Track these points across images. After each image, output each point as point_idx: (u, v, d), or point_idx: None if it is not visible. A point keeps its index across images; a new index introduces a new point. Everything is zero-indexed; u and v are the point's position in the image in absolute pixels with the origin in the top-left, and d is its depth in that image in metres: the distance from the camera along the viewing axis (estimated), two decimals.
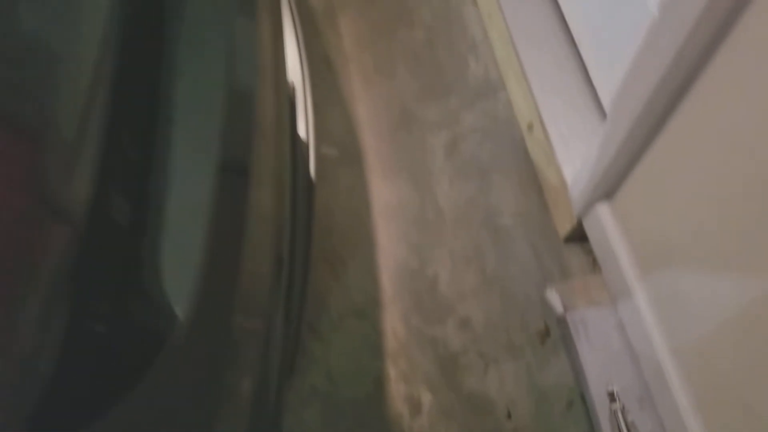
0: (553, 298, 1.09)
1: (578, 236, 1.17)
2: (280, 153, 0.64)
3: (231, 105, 0.54)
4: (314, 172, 0.89)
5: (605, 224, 1.01)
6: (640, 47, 0.88)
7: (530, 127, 1.27)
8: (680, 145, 0.81)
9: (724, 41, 0.67)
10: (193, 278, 0.42)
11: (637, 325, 0.96)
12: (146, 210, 0.46)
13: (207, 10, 0.59)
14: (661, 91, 0.78)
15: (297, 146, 0.79)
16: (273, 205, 0.57)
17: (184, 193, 0.47)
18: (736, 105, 0.67)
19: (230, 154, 0.52)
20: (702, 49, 0.70)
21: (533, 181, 1.28)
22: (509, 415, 1.08)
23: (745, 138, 0.67)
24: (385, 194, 1.30)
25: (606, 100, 1.14)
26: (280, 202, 0.60)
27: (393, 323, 1.16)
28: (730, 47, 0.66)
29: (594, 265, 1.17)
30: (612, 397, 0.98)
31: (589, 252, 1.17)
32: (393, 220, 1.27)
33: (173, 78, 0.53)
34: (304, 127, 0.85)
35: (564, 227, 1.19)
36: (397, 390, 1.10)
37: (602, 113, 1.16)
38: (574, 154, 1.14)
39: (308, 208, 0.81)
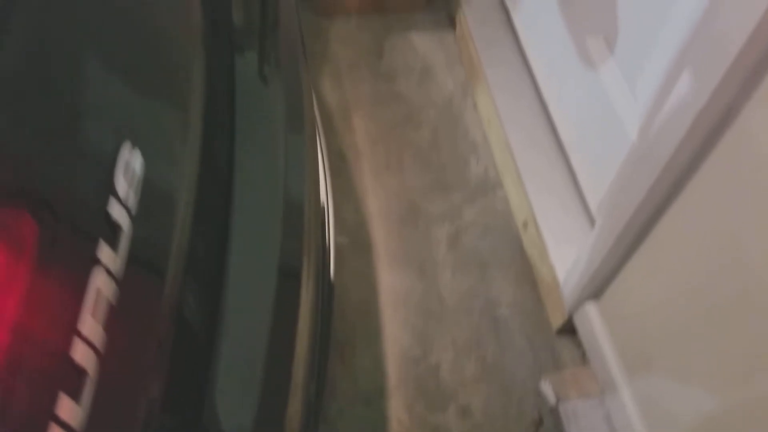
0: (547, 389, 1.17)
1: (570, 329, 1.27)
2: (318, 259, 0.76)
3: (286, 217, 0.65)
4: (333, 272, 1.00)
5: (593, 323, 1.12)
6: (622, 170, 1.02)
7: (525, 225, 1.39)
8: (660, 256, 0.93)
9: (699, 169, 0.79)
10: (255, 394, 0.52)
11: (623, 419, 1.05)
12: (214, 320, 0.56)
13: (266, 129, 0.71)
14: (642, 208, 0.90)
15: (325, 248, 0.91)
16: (312, 315, 0.67)
17: (249, 304, 0.57)
18: (713, 222, 0.79)
19: (286, 265, 0.62)
20: (678, 174, 0.82)
21: (529, 275, 1.39)
22: None
23: (721, 253, 0.78)
24: (392, 282, 1.41)
25: (593, 206, 1.27)
26: (315, 309, 0.70)
27: (398, 411, 1.23)
28: (702, 176, 0.78)
29: (584, 357, 1.27)
30: None
31: (580, 345, 1.27)
32: (399, 308, 1.37)
33: (238, 192, 0.64)
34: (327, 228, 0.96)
35: (556, 320, 1.29)
36: None
37: (591, 217, 1.29)
38: (566, 254, 1.26)
39: (329, 310, 0.91)
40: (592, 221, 1.29)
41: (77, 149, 0.41)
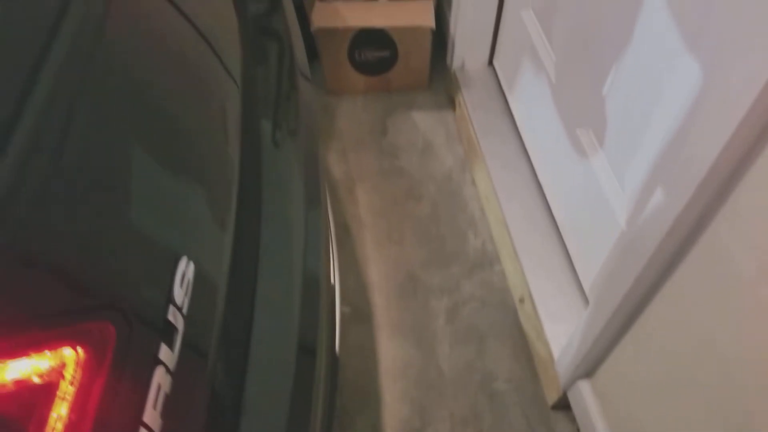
0: None
1: (565, 405, 1.32)
2: (330, 332, 0.82)
3: (305, 292, 0.72)
4: (339, 344, 1.06)
5: (586, 400, 1.17)
6: (612, 255, 1.10)
7: (522, 300, 1.46)
8: (648, 340, 1.00)
9: (680, 265, 0.87)
10: None
11: None
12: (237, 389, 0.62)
13: (288, 206, 0.79)
14: (630, 294, 0.97)
15: (333, 320, 0.97)
16: (324, 388, 0.74)
17: (269, 379, 0.63)
18: (692, 314, 0.86)
19: (304, 340, 0.69)
20: (662, 267, 0.90)
21: (525, 350, 1.45)
22: None
23: (700, 343, 0.85)
24: (391, 353, 1.46)
25: (587, 285, 1.34)
26: (326, 382, 0.76)
27: None
28: (682, 272, 0.86)
29: None
30: None
31: (574, 420, 1.31)
32: (398, 379, 1.42)
33: (263, 269, 0.71)
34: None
35: (552, 396, 1.34)
36: None
37: (585, 295, 1.36)
38: (560, 331, 1.32)
39: (334, 382, 0.97)
40: (585, 300, 1.36)
41: (146, 268, 0.48)
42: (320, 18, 1.74)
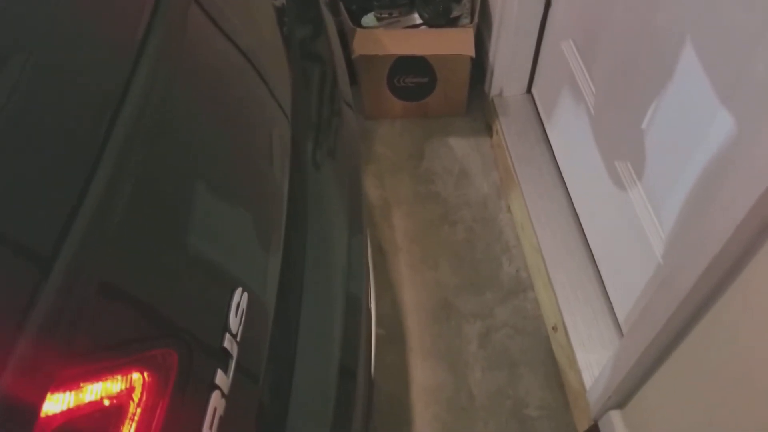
0: None
1: None
2: (366, 355, 0.85)
3: (347, 316, 0.75)
4: (374, 368, 1.09)
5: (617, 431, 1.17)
6: (648, 289, 1.10)
7: (555, 329, 1.46)
8: (681, 375, 0.99)
9: (715, 304, 0.87)
10: None
11: None
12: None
13: (332, 234, 0.82)
14: (665, 329, 0.98)
15: (371, 345, 1.00)
16: (362, 412, 0.76)
17: (312, 401, 0.66)
18: (727, 353, 0.86)
19: (345, 361, 0.71)
20: (697, 305, 0.90)
21: (557, 378, 1.45)
22: None
23: (735, 382, 0.85)
24: (423, 376, 1.48)
25: (621, 316, 1.34)
26: (365, 406, 0.79)
27: None
28: (717, 311, 0.86)
29: None
30: None
31: None
32: (429, 402, 1.44)
33: (308, 292, 0.74)
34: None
35: (582, 425, 1.34)
36: None
37: (619, 327, 1.36)
38: (593, 361, 1.32)
39: (369, 405, 1.00)
40: (619, 330, 1.35)
41: (205, 299, 0.52)
42: (361, 46, 1.80)
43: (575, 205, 1.58)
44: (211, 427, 0.47)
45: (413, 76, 1.89)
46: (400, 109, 1.98)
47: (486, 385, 1.46)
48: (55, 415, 0.38)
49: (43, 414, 0.37)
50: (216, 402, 0.49)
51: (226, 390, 0.50)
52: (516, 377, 1.47)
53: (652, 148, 1.15)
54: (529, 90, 1.90)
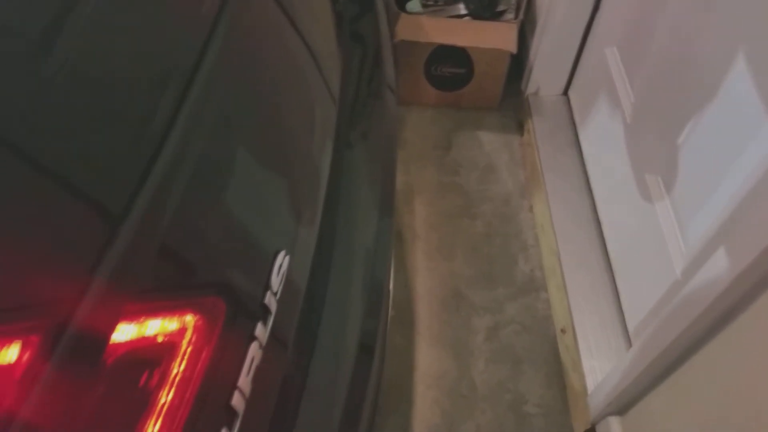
0: None
1: None
2: (383, 334, 0.89)
3: (370, 296, 0.78)
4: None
5: None
6: (663, 302, 1.13)
7: (563, 331, 1.50)
8: (686, 390, 1.03)
9: (731, 323, 0.90)
10: None
11: None
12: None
13: (363, 215, 0.85)
14: (676, 343, 1.01)
15: (387, 325, 1.04)
16: (374, 386, 0.80)
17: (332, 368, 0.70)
18: (736, 373, 0.89)
19: (365, 337, 0.75)
20: (713, 323, 0.93)
21: (559, 379, 1.49)
22: None
23: (740, 404, 0.88)
24: (428, 361, 1.52)
25: (632, 327, 1.37)
26: (377, 381, 0.83)
27: None
28: (733, 331, 0.89)
29: None
30: None
31: None
32: (431, 386, 1.48)
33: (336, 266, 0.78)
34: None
35: (579, 427, 1.38)
36: None
37: (628, 336, 1.39)
38: (597, 367, 1.36)
39: (380, 379, 1.04)
40: (628, 339, 1.39)
41: (253, 258, 0.56)
42: (403, 30, 1.82)
43: (599, 212, 1.60)
44: (248, 374, 0.52)
45: (451, 66, 1.91)
46: (434, 97, 2.00)
47: (488, 377, 1.50)
48: (120, 344, 0.43)
49: (111, 341, 0.42)
50: (254, 352, 0.53)
51: (263, 342, 0.54)
52: (518, 373, 1.51)
53: (685, 164, 1.17)
54: (565, 92, 1.92)
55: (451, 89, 1.98)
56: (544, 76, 1.88)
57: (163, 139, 0.50)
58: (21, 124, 0.45)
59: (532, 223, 1.77)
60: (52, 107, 0.47)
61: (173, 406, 0.46)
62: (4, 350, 0.38)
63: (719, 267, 0.86)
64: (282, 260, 0.58)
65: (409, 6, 1.89)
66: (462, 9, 1.93)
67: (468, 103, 2.02)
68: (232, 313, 0.51)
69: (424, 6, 1.90)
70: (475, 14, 1.90)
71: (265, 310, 0.55)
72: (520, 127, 1.99)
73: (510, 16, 1.91)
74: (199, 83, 0.55)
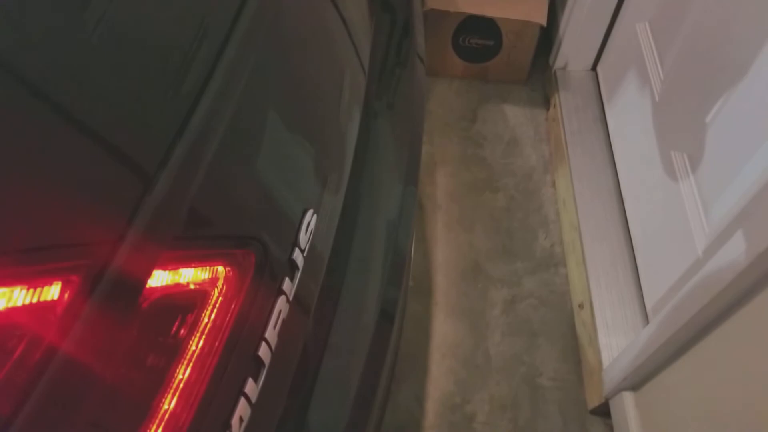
0: None
1: (604, 412, 1.37)
2: (402, 303, 0.90)
3: (393, 263, 0.79)
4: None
5: (628, 411, 1.22)
6: (683, 279, 1.13)
7: (581, 306, 1.50)
8: (703, 367, 1.03)
9: (752, 301, 0.89)
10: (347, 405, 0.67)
11: None
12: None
13: (389, 181, 0.86)
14: (695, 320, 1.01)
15: (406, 293, 1.05)
16: (393, 351, 0.82)
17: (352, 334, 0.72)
18: (755, 350, 0.89)
19: (386, 304, 0.77)
20: (733, 300, 0.92)
21: (574, 353, 1.50)
22: None
23: (758, 380, 0.88)
24: (444, 331, 1.54)
25: (650, 304, 1.37)
26: (395, 347, 0.85)
27: None
28: (753, 309, 0.89)
29: None
30: None
31: (611, 428, 1.36)
32: (447, 355, 1.50)
33: (359, 233, 0.79)
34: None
35: (593, 401, 1.39)
36: None
37: (645, 313, 1.39)
38: (614, 342, 1.36)
39: (397, 347, 1.05)
40: (645, 316, 1.39)
41: (283, 214, 0.57)
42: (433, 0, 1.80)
43: (622, 188, 1.59)
44: (275, 326, 0.53)
45: (479, 38, 1.89)
46: (461, 68, 1.98)
47: (503, 349, 1.51)
48: (155, 289, 0.44)
49: (147, 286, 0.43)
50: (281, 306, 0.54)
51: (290, 296, 0.56)
52: (534, 346, 1.52)
53: (712, 143, 1.16)
54: (594, 67, 1.89)
55: (479, 61, 1.96)
56: (572, 51, 1.85)
57: (200, 94, 0.51)
58: (63, 79, 0.46)
59: (554, 198, 1.77)
60: (94, 63, 0.48)
61: (203, 353, 0.48)
62: (46, 288, 0.39)
63: (740, 247, 0.85)
64: (310, 219, 0.59)
65: None
66: None
67: (495, 76, 2.00)
68: (262, 266, 0.53)
69: None
70: None
71: (293, 266, 0.56)
72: (546, 102, 1.97)
73: None
74: (235, 42, 0.56)
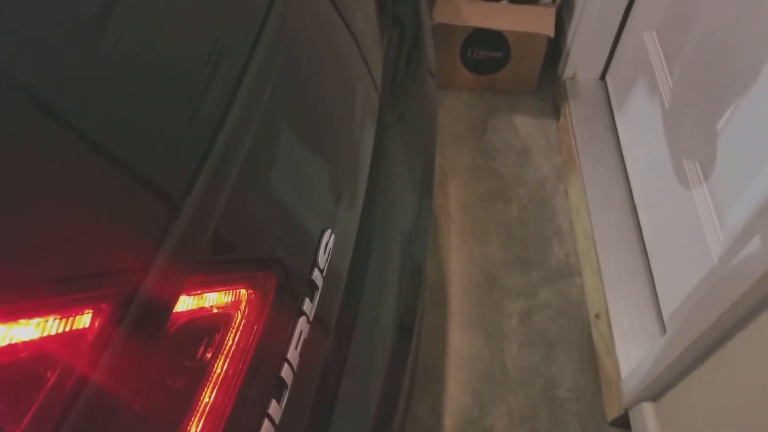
0: None
1: (623, 423, 1.36)
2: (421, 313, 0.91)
3: (410, 276, 0.80)
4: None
5: (648, 422, 1.21)
6: (699, 288, 1.12)
7: (597, 316, 1.50)
8: (722, 376, 1.02)
9: None
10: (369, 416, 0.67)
11: None
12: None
13: (404, 195, 0.87)
14: (712, 329, 1.01)
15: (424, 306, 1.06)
16: (412, 362, 0.82)
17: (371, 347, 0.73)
18: None
19: (405, 318, 0.77)
20: (749, 309, 0.92)
21: (592, 364, 1.49)
22: None
23: None
24: (460, 343, 1.54)
25: (667, 313, 1.36)
26: (414, 358, 0.85)
27: None
28: None
29: None
30: None
31: None
32: (463, 368, 1.50)
33: (376, 246, 0.79)
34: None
35: (612, 412, 1.38)
36: None
37: (662, 323, 1.38)
38: (632, 352, 1.36)
39: (415, 359, 1.06)
40: (662, 325, 1.38)
41: (302, 236, 0.59)
42: (441, 14, 1.81)
43: (634, 196, 1.59)
44: (296, 347, 0.54)
45: (487, 50, 1.90)
46: (470, 80, 2.00)
47: (521, 361, 1.51)
48: (181, 314, 0.46)
49: (174, 311, 0.44)
50: (302, 326, 0.55)
51: (310, 317, 0.57)
52: (552, 358, 1.51)
53: (724, 151, 1.16)
54: (602, 76, 1.89)
55: (487, 73, 1.97)
56: (581, 61, 1.86)
57: (221, 119, 0.52)
58: (88, 109, 0.47)
59: (567, 208, 1.77)
60: (117, 93, 0.49)
61: (228, 376, 0.49)
62: (78, 317, 0.41)
63: (757, 253, 0.85)
64: (328, 238, 0.61)
65: None
66: None
67: (504, 87, 2.01)
68: (283, 288, 0.54)
69: None
70: None
71: (313, 286, 0.58)
72: (556, 112, 1.97)
73: (547, 0, 1.89)
74: (254, 67, 0.57)
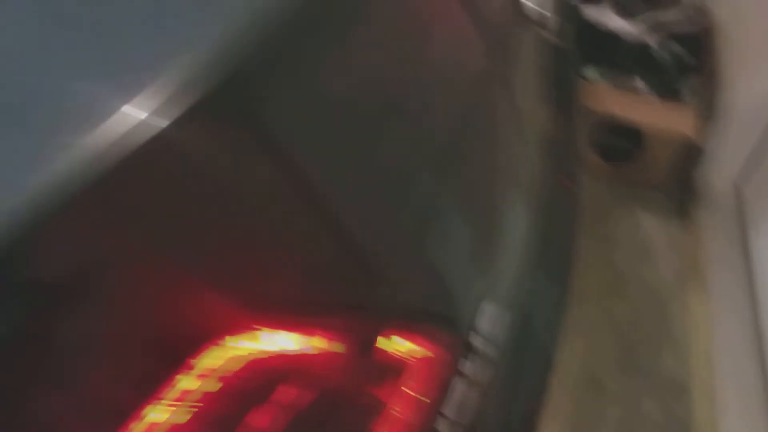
0: None
1: None
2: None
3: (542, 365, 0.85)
4: None
5: None
6: None
7: None
8: None
9: None
10: None
11: None
12: None
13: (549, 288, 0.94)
14: None
15: None
16: None
17: None
18: None
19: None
20: None
21: None
22: None
23: None
24: None
25: None
26: None
27: None
28: None
29: None
30: None
31: None
32: None
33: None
34: None
35: None
36: None
37: None
38: None
39: None
40: None
41: (465, 304, 0.66)
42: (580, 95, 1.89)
43: (761, 319, 1.56)
44: (452, 404, 0.60)
45: (619, 138, 1.95)
46: (595, 167, 2.05)
47: None
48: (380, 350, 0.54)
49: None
50: (459, 385, 0.62)
51: (467, 377, 0.63)
52: None
53: None
54: (739, 183, 1.89)
55: (616, 161, 2.02)
56: (717, 165, 1.87)
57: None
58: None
59: (685, 318, 1.75)
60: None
61: (395, 419, 0.55)
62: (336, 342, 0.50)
63: None
64: (490, 308, 0.67)
65: (588, 72, 1.97)
66: (638, 82, 1.98)
67: (631, 179, 2.04)
68: (449, 346, 0.61)
69: (602, 75, 1.97)
70: (653, 91, 1.94)
71: (473, 349, 0.64)
72: (683, 213, 1.98)
73: (689, 97, 1.93)
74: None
